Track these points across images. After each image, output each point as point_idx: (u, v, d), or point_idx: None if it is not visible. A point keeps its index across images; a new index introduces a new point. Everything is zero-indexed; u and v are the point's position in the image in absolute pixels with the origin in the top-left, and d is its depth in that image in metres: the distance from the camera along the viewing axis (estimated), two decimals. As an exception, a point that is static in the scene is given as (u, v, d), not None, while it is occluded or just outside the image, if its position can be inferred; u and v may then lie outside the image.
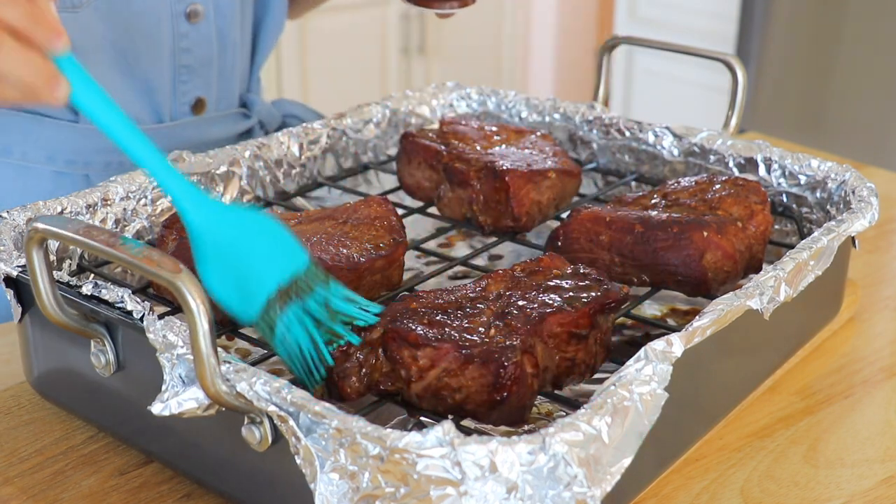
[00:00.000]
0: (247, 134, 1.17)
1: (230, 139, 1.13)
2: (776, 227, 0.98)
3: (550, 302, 0.72)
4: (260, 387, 0.60)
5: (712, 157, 1.02)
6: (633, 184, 1.06)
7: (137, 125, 0.66)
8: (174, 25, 1.05)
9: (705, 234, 0.82)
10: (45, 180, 1.05)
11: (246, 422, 0.62)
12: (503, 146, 1.00)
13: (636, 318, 0.81)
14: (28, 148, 1.04)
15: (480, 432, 0.65)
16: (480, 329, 0.68)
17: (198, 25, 1.07)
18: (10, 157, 1.04)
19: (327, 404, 0.58)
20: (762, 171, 0.99)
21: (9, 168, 1.04)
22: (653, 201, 0.89)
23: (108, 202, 0.88)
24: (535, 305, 0.71)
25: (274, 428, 0.62)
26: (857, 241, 0.89)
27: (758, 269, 0.86)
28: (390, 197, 0.99)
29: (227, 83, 1.13)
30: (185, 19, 1.06)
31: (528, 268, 0.77)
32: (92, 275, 0.85)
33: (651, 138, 1.06)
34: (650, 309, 0.95)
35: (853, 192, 0.90)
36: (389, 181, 1.09)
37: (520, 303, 0.71)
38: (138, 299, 0.69)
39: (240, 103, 1.17)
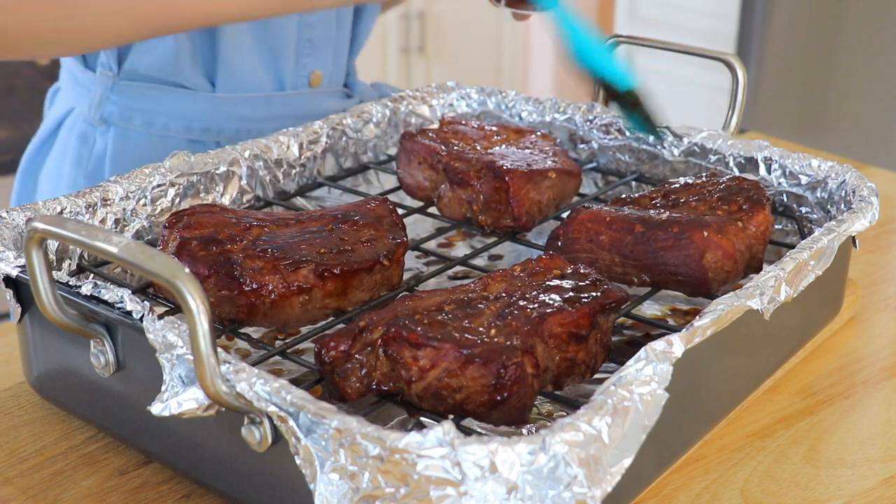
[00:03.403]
0: None
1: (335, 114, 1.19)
2: (776, 227, 0.98)
3: (551, 302, 0.72)
4: (260, 387, 0.60)
5: (712, 157, 1.02)
6: (633, 184, 1.06)
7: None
8: None
9: (705, 233, 0.82)
10: (182, 148, 1.13)
11: (246, 422, 0.62)
12: (503, 146, 0.99)
13: (636, 318, 0.81)
14: (169, 119, 1.15)
15: (480, 433, 0.65)
16: (481, 329, 0.68)
17: None
18: (152, 128, 1.15)
19: (327, 404, 0.58)
20: (762, 170, 0.99)
21: (151, 139, 1.16)
22: (653, 201, 0.89)
23: (108, 202, 0.88)
24: (536, 305, 0.71)
25: (274, 428, 0.62)
26: (857, 241, 0.89)
27: (758, 269, 0.86)
28: (390, 197, 0.99)
29: (340, 62, 1.21)
30: None
31: (529, 268, 0.77)
32: (92, 275, 0.85)
33: (651, 138, 1.06)
34: (650, 309, 0.95)
35: (854, 192, 0.90)
36: (389, 181, 1.09)
37: (520, 303, 0.71)
38: (138, 299, 0.69)
39: (343, 83, 1.24)
